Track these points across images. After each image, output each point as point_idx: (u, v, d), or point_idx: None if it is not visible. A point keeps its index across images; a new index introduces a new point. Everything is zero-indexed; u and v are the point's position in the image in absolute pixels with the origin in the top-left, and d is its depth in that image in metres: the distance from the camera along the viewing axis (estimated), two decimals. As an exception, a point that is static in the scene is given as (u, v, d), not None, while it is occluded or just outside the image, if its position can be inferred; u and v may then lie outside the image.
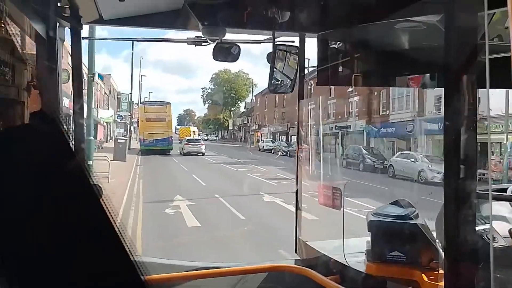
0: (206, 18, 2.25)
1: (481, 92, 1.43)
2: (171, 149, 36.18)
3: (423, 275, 1.87)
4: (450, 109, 1.47)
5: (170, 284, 2.09)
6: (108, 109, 44.93)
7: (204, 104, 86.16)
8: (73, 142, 0.65)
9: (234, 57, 2.60)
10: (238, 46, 2.58)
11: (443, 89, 1.51)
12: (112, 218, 0.61)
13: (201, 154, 34.64)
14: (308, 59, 3.01)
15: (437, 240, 1.91)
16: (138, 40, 3.38)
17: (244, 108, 77.72)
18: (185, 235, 8.81)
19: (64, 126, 0.65)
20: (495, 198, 1.78)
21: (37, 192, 0.59)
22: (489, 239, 1.65)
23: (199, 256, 6.43)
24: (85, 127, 2.08)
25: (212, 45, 2.49)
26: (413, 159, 19.68)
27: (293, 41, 2.56)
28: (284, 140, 46.43)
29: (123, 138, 29.82)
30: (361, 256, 2.13)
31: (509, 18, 1.00)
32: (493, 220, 1.81)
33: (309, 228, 2.75)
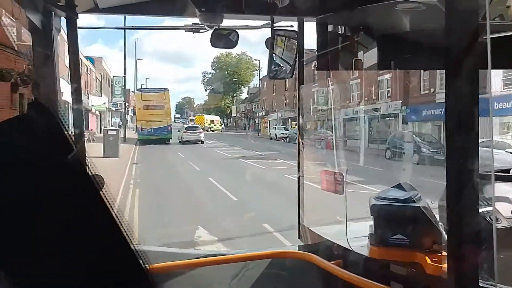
0: (203, 4, 2.22)
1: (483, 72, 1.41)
2: (171, 138, 34.87)
3: (426, 257, 1.87)
4: (452, 90, 1.46)
5: (173, 273, 2.10)
6: (101, 96, 42.04)
7: (206, 91, 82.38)
8: (71, 133, 0.64)
9: (233, 44, 2.57)
10: (237, 32, 2.56)
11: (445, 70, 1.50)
12: (112, 209, 0.60)
13: (200, 142, 33.86)
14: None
15: (440, 223, 1.91)
16: (134, 28, 3.36)
17: (247, 93, 73.35)
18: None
19: (62, 117, 0.64)
20: (498, 179, 1.78)
21: (36, 184, 0.59)
22: (492, 220, 1.66)
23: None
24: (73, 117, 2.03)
25: (210, 31, 2.46)
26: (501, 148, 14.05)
27: (292, 26, 2.53)
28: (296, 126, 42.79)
29: (115, 129, 25.03)
30: (364, 240, 2.13)
31: None
32: (496, 201, 1.80)
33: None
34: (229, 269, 2.22)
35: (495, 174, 1.37)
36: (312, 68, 2.72)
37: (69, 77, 2.18)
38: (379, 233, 2.02)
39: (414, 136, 18.61)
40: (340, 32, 2.54)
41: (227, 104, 75.83)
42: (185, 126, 38.23)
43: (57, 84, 2.11)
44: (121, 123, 36.41)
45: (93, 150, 19.44)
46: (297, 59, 2.50)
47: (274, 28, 2.38)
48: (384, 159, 11.87)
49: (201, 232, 7.94)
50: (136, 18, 2.97)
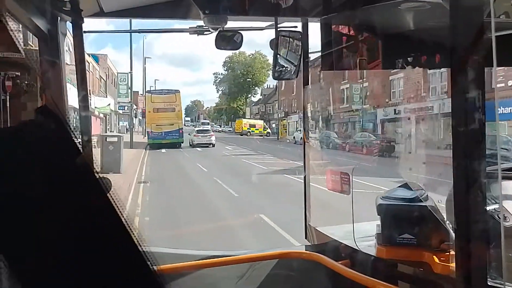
0: (207, 6, 2.23)
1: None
2: (182, 142, 33.17)
3: (434, 256, 1.86)
4: (457, 88, 1.45)
5: (181, 274, 2.11)
6: (106, 97, 38.09)
7: (217, 92, 77.53)
8: (79, 137, 0.65)
9: (237, 45, 2.58)
10: (241, 33, 2.57)
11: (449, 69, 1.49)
12: (120, 211, 0.61)
13: (211, 145, 32.59)
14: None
15: (447, 221, 1.90)
16: (139, 31, 3.38)
17: (261, 95, 69.81)
18: None
19: (70, 121, 0.65)
20: (505, 177, 1.77)
21: (43, 188, 0.59)
22: (499, 218, 1.65)
23: None
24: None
25: (215, 33, 2.47)
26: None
27: (296, 27, 2.53)
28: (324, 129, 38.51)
29: (116, 135, 20.19)
30: (371, 240, 2.13)
31: None
32: (504, 199, 1.79)
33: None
34: (236, 270, 2.22)
35: (502, 172, 1.36)
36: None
37: (76, 82, 2.20)
38: (386, 233, 2.01)
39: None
40: (344, 32, 2.54)
41: (239, 106, 71.97)
42: (196, 129, 36.82)
43: (64, 88, 2.13)
44: (128, 127, 35.00)
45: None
46: (301, 59, 2.50)
47: (278, 29, 2.39)
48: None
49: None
50: (142, 21, 2.98)
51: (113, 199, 0.61)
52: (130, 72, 36.89)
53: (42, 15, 2.04)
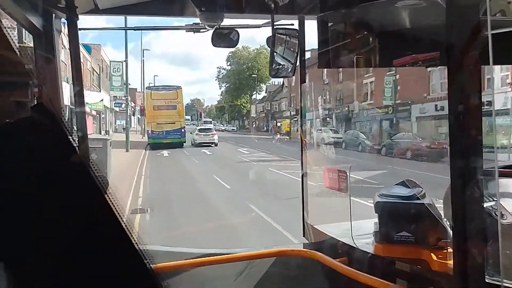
0: (203, 4, 2.23)
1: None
2: (184, 142, 30.65)
3: (431, 254, 1.87)
4: (454, 86, 1.46)
5: (178, 272, 2.10)
6: (100, 91, 33.81)
7: (220, 88, 71.44)
8: (74, 135, 0.64)
9: (233, 43, 2.57)
10: (237, 31, 2.56)
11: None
12: (116, 209, 0.61)
13: (213, 145, 30.65)
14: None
15: (445, 219, 1.91)
16: (134, 28, 3.37)
17: (266, 92, 64.80)
18: None
19: (65, 119, 0.64)
20: (502, 175, 1.77)
21: (40, 186, 0.59)
22: (497, 216, 1.65)
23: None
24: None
25: (211, 31, 2.46)
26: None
27: (293, 24, 2.53)
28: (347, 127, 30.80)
29: (101, 138, 15.91)
30: (369, 237, 2.13)
31: None
32: (501, 197, 1.80)
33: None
34: (234, 268, 2.22)
35: (499, 170, 1.37)
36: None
37: (71, 79, 2.18)
38: (384, 230, 2.02)
39: None
40: (341, 30, 2.53)
41: (243, 104, 66.41)
42: (198, 128, 34.45)
43: (59, 85, 2.11)
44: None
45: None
46: (298, 57, 2.49)
47: (274, 27, 2.38)
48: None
49: None
50: (138, 18, 2.97)
51: (109, 197, 0.61)
52: (125, 61, 30.49)
53: (36, 12, 2.02)
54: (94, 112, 31.70)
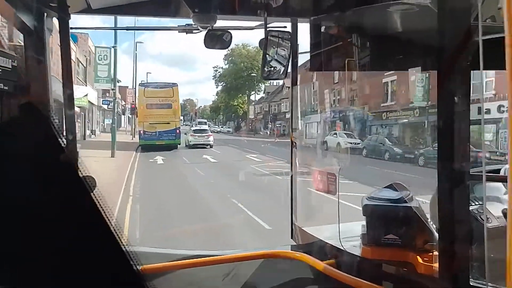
0: (197, 5, 2.23)
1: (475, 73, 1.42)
2: (179, 144, 28.30)
3: (418, 257, 1.89)
4: (444, 91, 1.47)
5: (165, 273, 2.10)
6: (86, 85, 29.30)
7: (217, 87, 66.24)
8: (63, 134, 0.64)
9: (226, 44, 2.57)
10: (230, 33, 2.56)
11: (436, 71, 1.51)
12: (104, 210, 0.61)
13: (208, 146, 28.77)
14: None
15: (431, 222, 1.93)
16: (126, 29, 3.35)
17: (264, 92, 61.62)
18: None
19: (54, 118, 0.64)
20: (489, 179, 1.80)
21: (27, 186, 0.58)
22: (482, 219, 1.67)
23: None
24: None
25: (204, 32, 2.46)
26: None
27: (285, 27, 2.53)
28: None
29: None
30: (356, 240, 2.14)
31: None
32: (487, 201, 1.82)
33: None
34: (221, 269, 2.21)
35: (486, 174, 1.38)
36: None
37: (62, 78, 2.17)
38: (371, 233, 2.03)
39: None
40: (333, 33, 2.55)
41: (240, 105, 63.02)
42: (193, 128, 32.38)
43: (49, 85, 2.10)
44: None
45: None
46: (290, 59, 2.50)
47: (267, 29, 2.39)
48: None
49: None
50: (130, 18, 2.95)
51: (96, 198, 0.61)
52: (113, 47, 25.19)
53: (28, 11, 2.01)
54: (77, 109, 25.47)
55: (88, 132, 31.40)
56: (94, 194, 0.61)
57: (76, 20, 2.25)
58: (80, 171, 0.61)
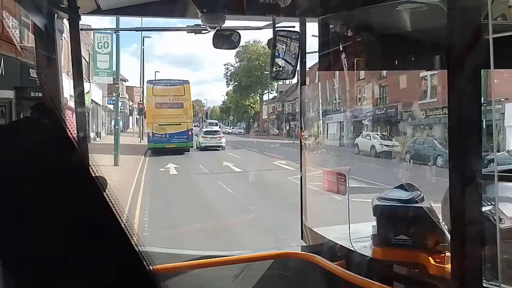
0: (205, 5, 2.23)
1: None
2: (191, 147, 26.15)
3: (429, 258, 1.87)
4: (454, 90, 1.46)
5: (177, 274, 2.10)
6: (89, 82, 25.86)
7: (228, 86, 63.19)
8: (75, 136, 0.65)
9: (235, 44, 2.58)
10: (238, 33, 2.56)
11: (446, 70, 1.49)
12: (117, 210, 0.61)
13: (220, 148, 27.32)
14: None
15: (443, 223, 1.91)
16: (135, 29, 3.37)
17: (276, 92, 59.09)
18: None
19: (65, 119, 0.64)
20: (501, 179, 1.78)
21: (39, 186, 0.59)
22: (495, 220, 1.65)
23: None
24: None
25: (212, 32, 2.47)
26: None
27: (294, 27, 2.53)
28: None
29: None
30: (367, 241, 2.13)
31: None
32: (499, 202, 1.80)
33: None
34: (232, 270, 2.22)
35: (498, 174, 1.37)
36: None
37: (72, 79, 2.18)
38: (382, 234, 2.02)
39: None
40: (342, 33, 2.54)
41: (251, 104, 59.95)
42: (204, 130, 30.55)
43: (60, 85, 2.12)
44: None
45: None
46: (298, 59, 2.50)
47: (276, 29, 2.39)
48: None
49: None
50: (139, 18, 2.97)
51: (109, 198, 0.61)
52: (115, 31, 20.63)
53: (39, 12, 2.03)
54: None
55: (92, 134, 29.43)
56: (106, 193, 0.61)
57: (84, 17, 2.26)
58: (93, 170, 0.61)
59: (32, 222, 0.58)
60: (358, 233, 2.22)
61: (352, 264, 2.08)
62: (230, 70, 60.94)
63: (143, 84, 33.46)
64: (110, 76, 23.69)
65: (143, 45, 37.77)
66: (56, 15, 2.13)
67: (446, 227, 1.85)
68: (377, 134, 22.12)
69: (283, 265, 2.29)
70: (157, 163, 18.92)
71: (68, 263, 0.58)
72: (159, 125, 24.89)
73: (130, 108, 46.14)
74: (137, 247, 0.61)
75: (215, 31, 2.45)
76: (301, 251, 2.39)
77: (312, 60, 2.67)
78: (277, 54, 2.40)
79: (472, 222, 1.42)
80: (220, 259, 2.22)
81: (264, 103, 60.22)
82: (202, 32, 2.57)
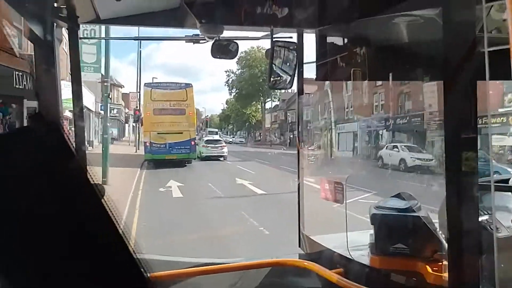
0: (204, 16, 2.25)
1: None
2: (194, 158, 23.44)
3: (427, 266, 1.87)
4: (450, 101, 1.47)
5: (174, 281, 2.09)
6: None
7: (230, 94, 60.40)
8: (73, 144, 0.65)
9: (233, 54, 2.60)
10: (236, 43, 2.59)
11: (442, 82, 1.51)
12: (114, 217, 0.61)
13: (222, 158, 26.11)
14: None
15: (440, 232, 1.92)
16: (134, 38, 3.38)
17: (278, 100, 56.92)
18: None
19: (64, 127, 0.65)
20: (497, 189, 1.79)
21: (38, 195, 0.59)
22: (492, 229, 1.66)
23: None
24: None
25: (210, 42, 2.49)
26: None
27: (291, 37, 2.56)
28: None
29: None
30: (364, 249, 2.13)
31: (507, 10, 1.00)
32: (496, 211, 1.81)
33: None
34: (229, 278, 2.21)
35: (494, 184, 1.38)
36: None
37: (71, 88, 2.19)
38: (379, 243, 2.02)
39: None
40: (339, 44, 2.57)
41: (252, 113, 57.55)
42: (205, 139, 28.81)
43: (59, 94, 2.12)
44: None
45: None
46: (296, 69, 2.52)
47: (273, 40, 2.41)
48: None
49: None
50: (137, 28, 2.98)
51: (107, 205, 0.61)
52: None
53: (38, 21, 2.04)
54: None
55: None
56: (104, 200, 0.62)
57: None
58: (91, 178, 0.62)
59: (30, 230, 0.58)
60: (356, 242, 2.23)
61: (349, 272, 2.08)
62: (231, 78, 58.19)
63: (139, 89, 30.06)
64: (97, 72, 19.09)
65: (140, 47, 34.48)
66: (55, 24, 2.14)
67: (443, 236, 1.86)
68: (405, 146, 19.57)
69: (281, 273, 2.28)
70: (156, 180, 16.21)
71: (65, 270, 0.59)
72: (158, 133, 21.99)
73: (126, 115, 44.44)
74: (134, 254, 0.61)
75: (213, 41, 2.47)
76: (299, 259, 2.39)
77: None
78: (275, 64, 2.43)
79: (469, 231, 1.42)
80: (217, 267, 2.21)
81: (267, 111, 58.10)
82: (201, 42, 2.60)
